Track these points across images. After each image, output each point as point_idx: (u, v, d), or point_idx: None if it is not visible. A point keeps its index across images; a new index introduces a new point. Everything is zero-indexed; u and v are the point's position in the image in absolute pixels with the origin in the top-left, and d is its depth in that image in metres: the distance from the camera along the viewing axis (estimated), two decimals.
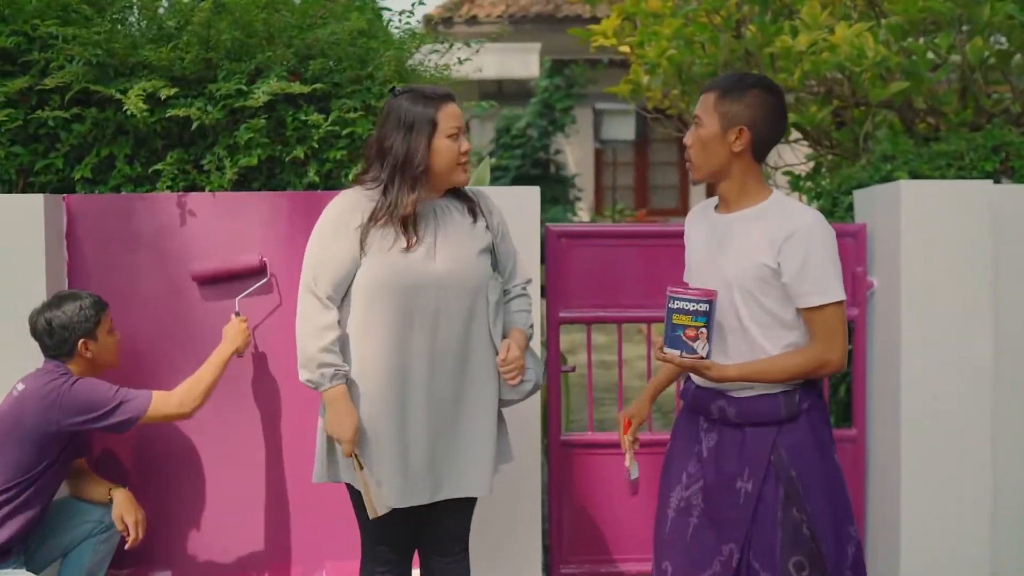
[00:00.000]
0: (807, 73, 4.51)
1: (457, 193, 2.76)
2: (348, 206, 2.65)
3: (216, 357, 3.27)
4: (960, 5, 4.28)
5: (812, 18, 4.42)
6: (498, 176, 13.12)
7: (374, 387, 2.61)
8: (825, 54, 4.34)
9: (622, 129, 12.70)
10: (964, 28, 4.56)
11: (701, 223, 2.65)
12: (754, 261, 2.44)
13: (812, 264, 2.40)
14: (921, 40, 4.62)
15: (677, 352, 2.44)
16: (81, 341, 3.13)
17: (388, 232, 2.60)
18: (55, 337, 3.11)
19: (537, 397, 3.60)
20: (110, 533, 3.24)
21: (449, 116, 2.66)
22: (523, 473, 3.57)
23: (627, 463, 2.82)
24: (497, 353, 2.68)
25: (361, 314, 2.61)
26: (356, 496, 2.71)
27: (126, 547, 3.20)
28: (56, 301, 3.15)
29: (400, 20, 4.23)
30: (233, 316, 3.38)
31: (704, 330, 2.41)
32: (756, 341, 2.47)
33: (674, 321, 2.43)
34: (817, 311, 2.42)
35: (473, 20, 14.03)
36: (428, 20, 14.23)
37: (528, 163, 13.15)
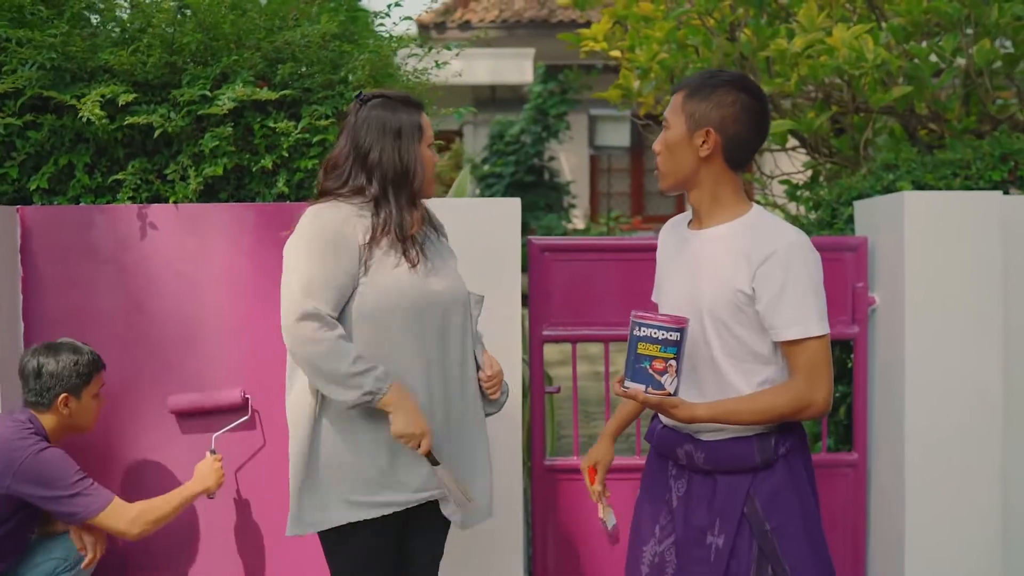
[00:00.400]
0: (804, 78, 4.33)
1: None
2: (343, 221, 2.43)
3: (182, 492, 3.04)
4: (966, 5, 4.10)
5: (809, 20, 4.23)
6: (491, 183, 12.98)
7: None
8: (823, 57, 4.15)
9: (617, 135, 12.55)
10: (968, 31, 4.38)
11: (672, 239, 2.41)
12: (727, 285, 2.19)
13: (790, 292, 2.13)
14: (924, 43, 4.44)
15: (642, 387, 2.14)
16: (63, 396, 2.94)
17: (388, 250, 2.43)
18: (40, 383, 2.93)
19: (518, 419, 3.41)
20: (77, 571, 3.03)
21: (428, 124, 2.53)
22: (504, 498, 3.38)
23: (601, 514, 2.58)
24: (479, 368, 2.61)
25: (372, 339, 2.42)
26: (328, 542, 2.52)
27: (83, 565, 3.01)
28: (55, 347, 2.97)
29: (377, 21, 4.05)
30: (208, 454, 3.14)
31: (673, 362, 2.12)
32: (726, 376, 2.22)
33: (639, 351, 2.13)
34: (797, 345, 2.16)
35: (467, 25, 13.89)
36: (421, 25, 14.09)
37: (522, 170, 12.99)
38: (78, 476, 2.88)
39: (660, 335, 2.11)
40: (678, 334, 2.12)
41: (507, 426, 3.37)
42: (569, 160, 14.35)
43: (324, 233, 2.41)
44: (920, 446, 3.46)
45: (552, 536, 3.64)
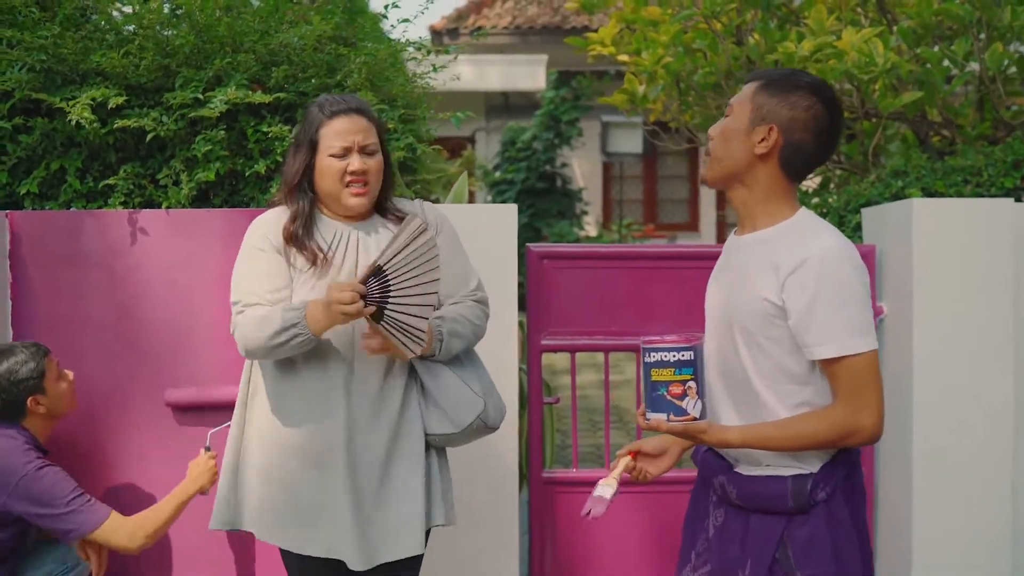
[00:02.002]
0: None
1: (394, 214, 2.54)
2: (266, 226, 2.47)
3: (177, 495, 2.96)
4: (978, 8, 4.01)
5: (818, 24, 4.15)
6: (503, 190, 12.90)
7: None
8: (832, 61, 4.07)
9: (630, 142, 12.43)
10: (981, 36, 4.29)
11: (725, 250, 2.24)
12: (755, 295, 2.00)
13: (823, 305, 1.93)
14: (936, 47, 4.35)
15: (663, 416, 1.99)
16: (30, 400, 2.88)
17: (297, 257, 2.43)
18: (1, 401, 2.86)
19: (514, 430, 3.34)
20: None
21: (336, 133, 2.39)
22: (500, 512, 3.34)
23: (600, 487, 2.23)
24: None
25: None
26: (289, 558, 2.46)
27: None
28: None
29: (379, 23, 4.00)
30: (202, 451, 3.07)
31: (692, 384, 1.97)
32: (760, 396, 2.03)
33: (653, 378, 1.99)
34: (835, 365, 1.95)
35: (479, 32, 13.83)
36: (434, 32, 14.06)
37: (534, 177, 12.91)
38: (74, 494, 2.82)
39: (672, 357, 1.98)
40: (691, 353, 1.99)
41: (504, 437, 3.29)
42: (582, 167, 14.27)
43: (252, 238, 2.47)
44: (928, 461, 3.37)
45: (550, 551, 3.56)
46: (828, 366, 1.97)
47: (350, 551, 2.34)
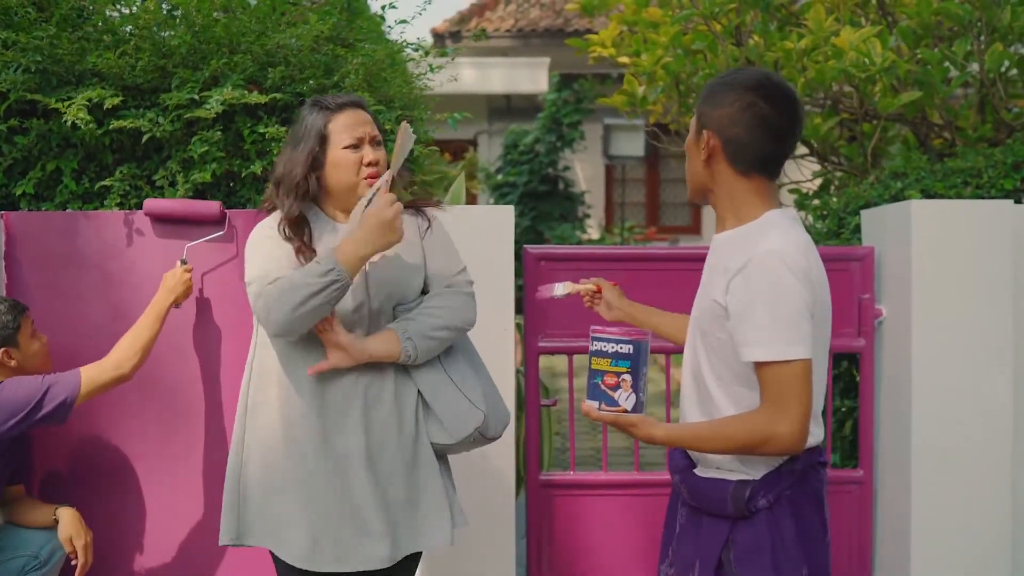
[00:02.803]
0: (811, 82, 4.22)
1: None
2: (270, 230, 2.45)
3: (154, 307, 2.98)
4: (978, 8, 3.99)
5: (817, 24, 4.13)
6: (505, 192, 12.90)
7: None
8: (831, 61, 4.05)
9: (631, 145, 12.40)
10: (982, 37, 4.27)
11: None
12: (708, 295, 2.04)
13: (758, 307, 1.92)
14: (936, 48, 4.33)
15: (595, 404, 2.03)
16: (2, 351, 2.88)
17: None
18: None
19: (511, 432, 3.32)
20: (47, 570, 2.95)
21: (346, 125, 2.39)
22: (496, 514, 3.33)
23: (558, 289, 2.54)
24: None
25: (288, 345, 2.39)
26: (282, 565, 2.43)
27: (77, 574, 2.93)
28: None
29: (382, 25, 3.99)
30: (178, 263, 3.10)
31: (627, 377, 2.00)
32: (713, 397, 2.05)
33: (592, 366, 2.04)
34: (764, 369, 1.94)
35: (482, 34, 13.82)
36: (436, 35, 14.06)
37: (536, 179, 12.90)
38: (40, 378, 2.82)
39: (610, 348, 2.02)
40: (630, 347, 2.01)
41: (501, 439, 3.26)
42: (584, 170, 14.26)
43: (259, 237, 2.45)
44: (928, 462, 3.36)
45: (547, 553, 3.55)
46: (759, 369, 1.96)
47: (382, 552, 2.33)
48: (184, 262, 3.11)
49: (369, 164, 2.38)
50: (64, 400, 2.81)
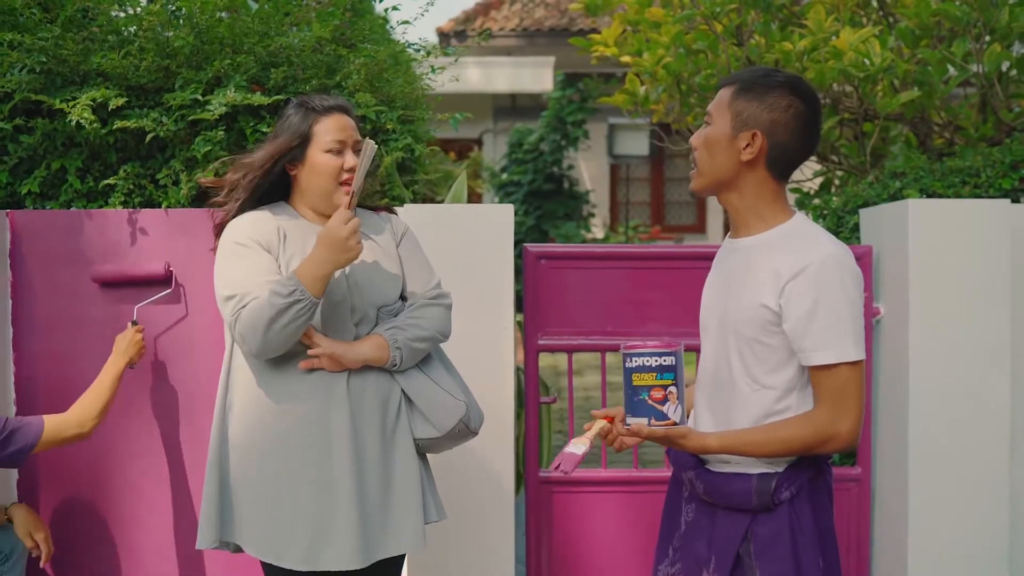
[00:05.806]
0: (811, 83, 4.23)
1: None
2: (248, 224, 2.46)
3: (109, 370, 3.01)
4: (976, 9, 4.00)
5: (817, 24, 4.15)
6: (510, 191, 12.91)
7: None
8: (831, 61, 4.07)
9: (636, 144, 12.42)
10: (985, 38, 4.28)
11: (720, 254, 2.27)
12: (753, 301, 2.02)
13: (823, 311, 1.95)
14: (935, 48, 4.34)
15: (644, 420, 2.01)
16: None
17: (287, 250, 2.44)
18: None
19: (511, 430, 3.35)
20: (11, 564, 2.96)
21: (331, 128, 2.41)
22: (495, 512, 3.34)
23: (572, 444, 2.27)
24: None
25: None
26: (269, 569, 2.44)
27: (41, 564, 2.97)
28: None
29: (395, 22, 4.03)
30: (129, 325, 3.13)
31: (673, 389, 2.00)
32: (745, 400, 2.05)
33: (635, 383, 2.02)
34: (826, 371, 1.97)
35: (487, 34, 13.83)
36: (441, 34, 14.07)
37: (540, 178, 12.92)
38: (2, 420, 2.80)
39: (654, 362, 2.01)
40: (672, 358, 2.01)
41: (500, 437, 3.31)
42: (589, 169, 14.27)
43: (229, 238, 2.46)
44: (925, 461, 3.37)
45: (546, 551, 3.56)
46: (819, 372, 1.99)
47: (352, 554, 2.33)
48: (135, 323, 3.14)
49: (350, 170, 2.40)
50: (23, 447, 2.81)
